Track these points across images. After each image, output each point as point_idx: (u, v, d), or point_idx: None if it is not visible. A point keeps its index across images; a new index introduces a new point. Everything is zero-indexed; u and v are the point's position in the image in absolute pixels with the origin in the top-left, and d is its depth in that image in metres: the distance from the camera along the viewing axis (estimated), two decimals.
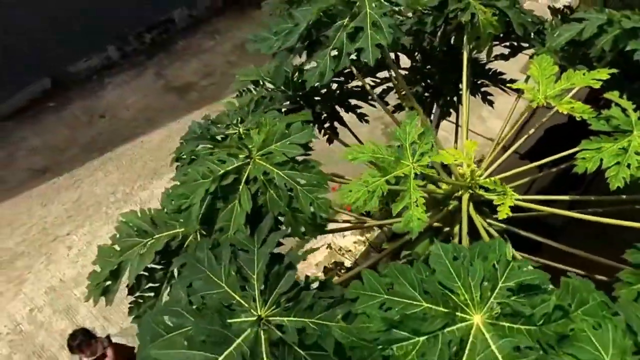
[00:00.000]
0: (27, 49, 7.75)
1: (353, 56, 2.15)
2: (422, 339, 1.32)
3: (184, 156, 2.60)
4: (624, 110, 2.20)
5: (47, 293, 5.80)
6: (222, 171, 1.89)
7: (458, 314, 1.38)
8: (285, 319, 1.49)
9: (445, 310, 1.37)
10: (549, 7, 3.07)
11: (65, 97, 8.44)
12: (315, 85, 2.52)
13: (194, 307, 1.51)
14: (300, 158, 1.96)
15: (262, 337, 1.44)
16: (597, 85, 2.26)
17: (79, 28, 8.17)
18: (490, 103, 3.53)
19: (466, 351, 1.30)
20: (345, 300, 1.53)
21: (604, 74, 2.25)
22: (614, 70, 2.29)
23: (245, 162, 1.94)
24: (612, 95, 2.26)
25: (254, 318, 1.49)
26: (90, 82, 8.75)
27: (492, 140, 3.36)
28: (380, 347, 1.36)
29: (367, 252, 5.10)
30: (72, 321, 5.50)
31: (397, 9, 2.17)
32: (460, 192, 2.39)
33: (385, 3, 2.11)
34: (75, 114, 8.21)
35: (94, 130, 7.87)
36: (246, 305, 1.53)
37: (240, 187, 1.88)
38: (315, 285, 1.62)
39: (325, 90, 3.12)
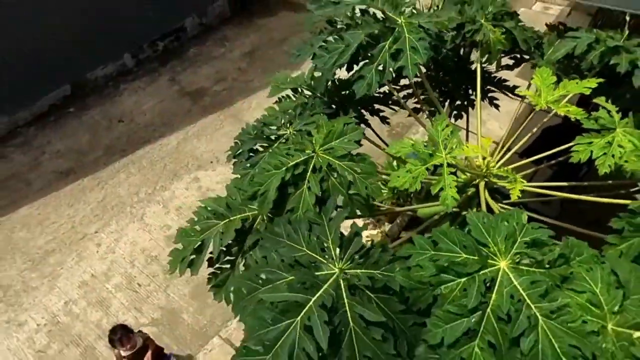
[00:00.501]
0: (46, 57, 7.98)
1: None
2: (463, 279, 1.83)
3: (242, 153, 3.08)
4: (609, 112, 2.72)
5: (81, 287, 6.05)
6: (292, 163, 2.38)
7: (489, 261, 1.89)
8: (358, 271, 1.99)
9: (479, 259, 1.88)
10: (546, 24, 3.59)
11: (84, 103, 8.68)
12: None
13: (287, 264, 2.00)
14: (354, 152, 2.44)
15: (342, 283, 1.94)
16: (588, 92, 2.77)
17: (95, 37, 8.42)
18: (497, 106, 4.03)
19: (496, 286, 1.81)
20: (400, 257, 2.03)
21: (593, 82, 2.77)
22: (601, 80, 2.80)
23: (311, 155, 2.42)
24: (600, 100, 2.78)
25: (335, 270, 1.99)
26: (107, 89, 9.00)
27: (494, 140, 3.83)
28: (431, 288, 1.86)
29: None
30: (106, 313, 5.77)
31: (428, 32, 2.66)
32: (477, 181, 2.88)
33: (420, 29, 2.62)
34: (95, 119, 8.43)
35: (114, 134, 8.12)
36: (326, 262, 2.02)
37: (308, 175, 2.36)
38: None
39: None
